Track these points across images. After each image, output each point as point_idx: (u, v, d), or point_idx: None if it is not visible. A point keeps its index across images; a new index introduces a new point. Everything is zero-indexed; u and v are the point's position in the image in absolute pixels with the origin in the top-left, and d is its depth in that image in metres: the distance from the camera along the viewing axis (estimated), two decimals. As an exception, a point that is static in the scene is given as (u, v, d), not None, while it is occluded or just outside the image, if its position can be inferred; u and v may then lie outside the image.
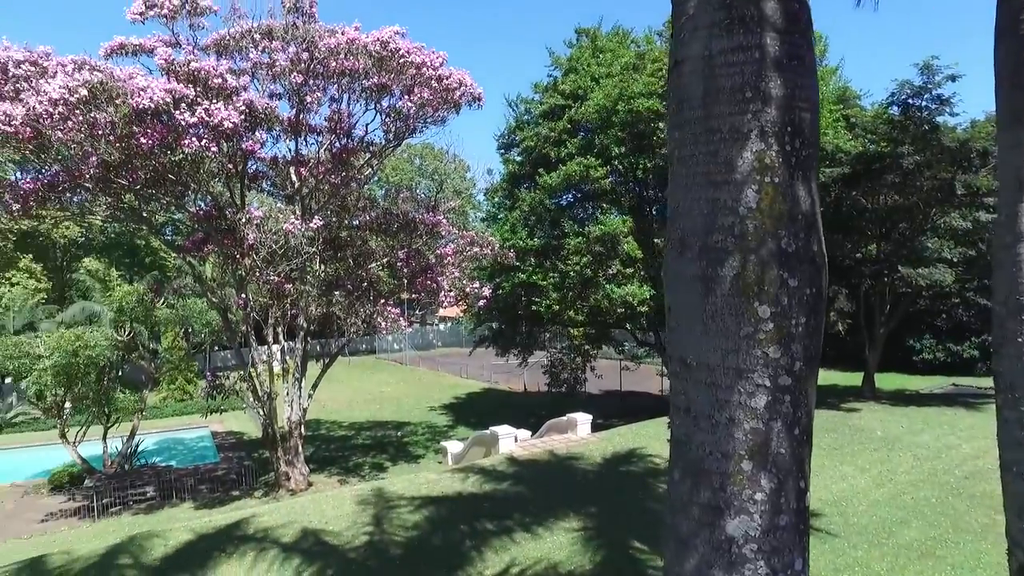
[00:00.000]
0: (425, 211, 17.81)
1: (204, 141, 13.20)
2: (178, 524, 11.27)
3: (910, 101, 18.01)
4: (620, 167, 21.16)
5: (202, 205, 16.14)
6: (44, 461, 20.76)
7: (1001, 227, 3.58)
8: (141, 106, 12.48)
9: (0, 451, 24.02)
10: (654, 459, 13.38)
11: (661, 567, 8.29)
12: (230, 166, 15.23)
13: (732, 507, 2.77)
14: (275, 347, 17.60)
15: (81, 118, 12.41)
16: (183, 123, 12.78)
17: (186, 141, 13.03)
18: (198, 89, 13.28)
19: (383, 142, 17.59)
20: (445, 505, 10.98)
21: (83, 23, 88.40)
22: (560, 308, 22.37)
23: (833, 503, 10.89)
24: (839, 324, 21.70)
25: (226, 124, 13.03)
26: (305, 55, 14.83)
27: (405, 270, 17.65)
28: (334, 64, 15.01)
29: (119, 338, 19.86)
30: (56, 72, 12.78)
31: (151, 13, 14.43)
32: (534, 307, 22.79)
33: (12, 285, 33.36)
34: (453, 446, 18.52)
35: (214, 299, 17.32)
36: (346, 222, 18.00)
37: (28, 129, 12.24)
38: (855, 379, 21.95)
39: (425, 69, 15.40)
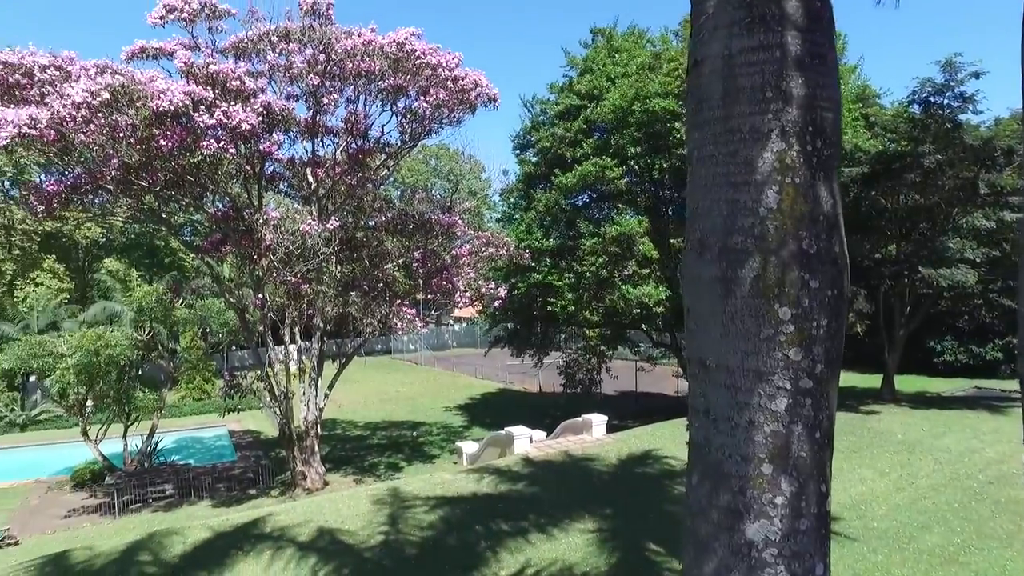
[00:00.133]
0: (441, 212, 17.86)
1: (222, 143, 13.37)
2: (196, 522, 11.40)
3: (931, 99, 17.73)
4: (636, 167, 21.08)
5: (220, 206, 16.32)
6: (67, 458, 21.12)
7: (1028, 227, 3.51)
8: (161, 109, 12.64)
9: (25, 448, 24.54)
10: (670, 461, 13.30)
11: (678, 570, 8.25)
12: (248, 167, 15.40)
13: (752, 511, 2.74)
14: (292, 347, 17.74)
15: (103, 121, 12.60)
16: (202, 125, 12.93)
17: (205, 143, 13.20)
18: (216, 91, 13.44)
19: (399, 143, 17.69)
20: (460, 505, 10.99)
21: (106, 24, 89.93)
22: (575, 309, 22.32)
23: (852, 507, 10.75)
24: (857, 325, 21.39)
25: (244, 126, 13.17)
26: (322, 57, 14.94)
27: (421, 271, 17.72)
28: (350, 66, 15.10)
29: (139, 338, 20.16)
30: (79, 76, 13.00)
31: (171, 17, 14.62)
32: (549, 308, 22.76)
33: (36, 285, 34.02)
34: (468, 446, 18.54)
35: (232, 299, 17.50)
36: (362, 223, 18.12)
37: (52, 132, 12.45)
38: (874, 381, 21.65)
39: (441, 70, 15.44)
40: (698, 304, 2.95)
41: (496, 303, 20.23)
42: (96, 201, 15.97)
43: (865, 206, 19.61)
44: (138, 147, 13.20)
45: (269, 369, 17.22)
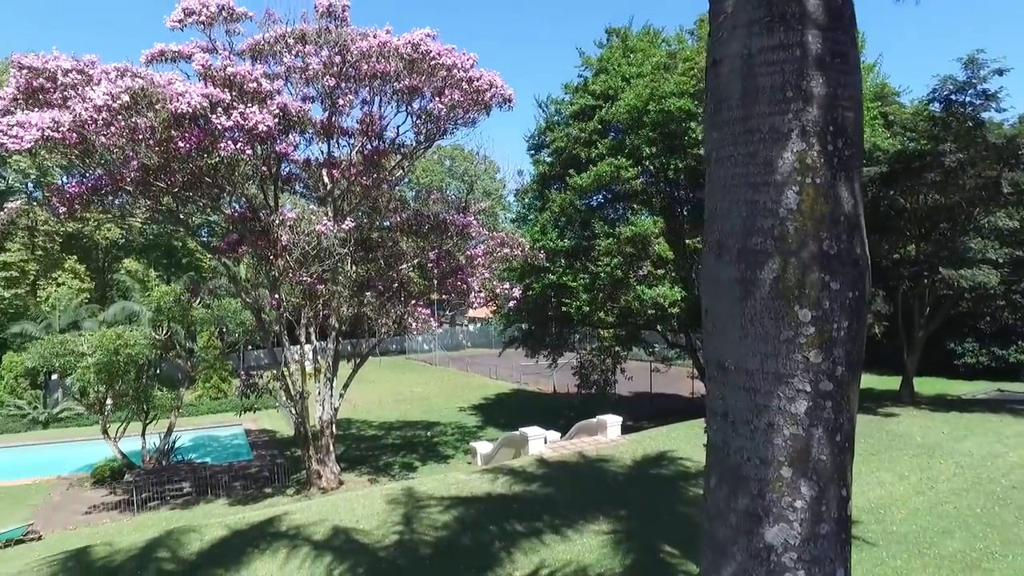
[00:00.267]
0: (455, 212, 17.89)
1: (239, 144, 13.50)
2: (213, 520, 11.51)
3: (953, 97, 17.42)
4: (651, 167, 20.99)
5: (237, 207, 16.47)
6: (87, 455, 21.46)
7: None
8: (179, 111, 12.79)
9: (47, 445, 24.99)
10: (685, 462, 13.21)
11: (693, 572, 8.19)
12: (264, 168, 15.54)
13: (771, 514, 2.71)
14: (307, 347, 17.87)
15: (123, 123, 12.77)
16: (219, 127, 13.07)
17: (222, 144, 13.33)
18: (234, 93, 13.57)
19: (414, 144, 17.75)
20: (474, 506, 11.00)
21: (107, 24, 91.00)
22: (590, 309, 22.26)
23: (870, 510, 10.60)
24: (876, 327, 21.13)
25: (260, 127, 13.29)
26: (338, 58, 15.02)
27: (435, 271, 17.76)
28: (366, 67, 15.17)
29: (157, 337, 20.44)
30: (100, 79, 13.19)
31: (189, 20, 14.77)
32: (564, 308, 22.72)
33: (58, 285, 34.62)
34: (482, 447, 18.56)
35: (248, 299, 17.66)
36: (377, 223, 18.21)
37: (74, 135, 12.65)
38: (892, 383, 21.35)
39: (456, 71, 15.47)
40: (716, 306, 2.92)
41: (511, 303, 20.24)
42: (116, 202, 16.20)
43: (884, 206, 19.34)
44: (157, 149, 13.36)
45: (285, 369, 17.35)
